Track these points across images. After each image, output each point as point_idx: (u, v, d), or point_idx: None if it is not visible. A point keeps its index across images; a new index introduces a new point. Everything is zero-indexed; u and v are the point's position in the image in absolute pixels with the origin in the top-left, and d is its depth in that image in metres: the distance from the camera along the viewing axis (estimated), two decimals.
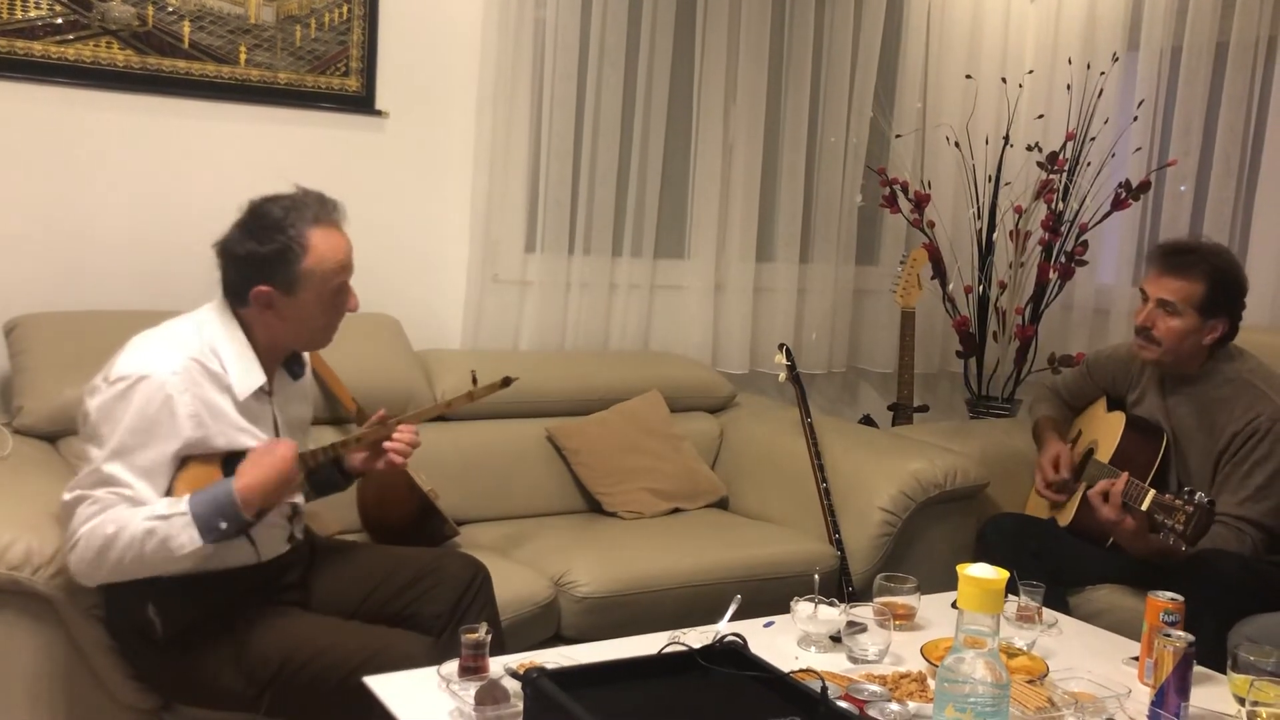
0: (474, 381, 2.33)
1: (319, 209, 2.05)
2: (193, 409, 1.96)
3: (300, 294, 2.03)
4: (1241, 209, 3.66)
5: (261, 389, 2.08)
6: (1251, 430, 2.61)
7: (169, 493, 1.94)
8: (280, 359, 2.16)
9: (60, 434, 2.60)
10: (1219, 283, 2.63)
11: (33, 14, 2.82)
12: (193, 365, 1.99)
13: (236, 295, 2.05)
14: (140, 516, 1.88)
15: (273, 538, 2.13)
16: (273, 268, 2.00)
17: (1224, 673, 1.96)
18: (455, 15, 3.35)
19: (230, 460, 2.00)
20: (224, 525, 1.91)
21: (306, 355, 2.29)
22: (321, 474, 2.30)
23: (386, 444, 2.23)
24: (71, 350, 2.63)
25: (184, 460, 1.97)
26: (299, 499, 2.23)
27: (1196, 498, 2.31)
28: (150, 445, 1.92)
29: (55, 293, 2.87)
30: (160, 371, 1.94)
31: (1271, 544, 2.59)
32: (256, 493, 1.94)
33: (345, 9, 3.18)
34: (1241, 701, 1.82)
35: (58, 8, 2.84)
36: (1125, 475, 2.52)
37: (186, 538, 1.89)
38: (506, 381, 2.34)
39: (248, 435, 2.05)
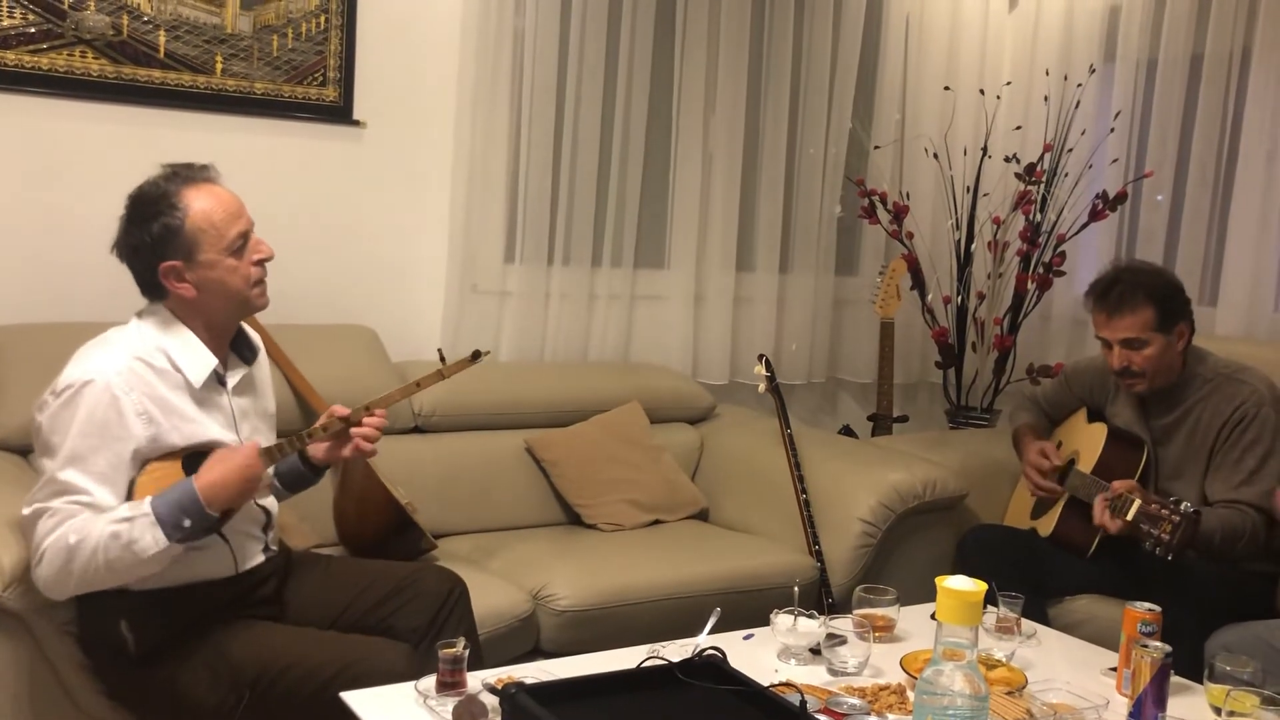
0: (442, 359, 2.31)
1: (188, 173, 2.06)
2: (141, 407, 1.95)
3: (202, 255, 2.01)
4: (1217, 220, 3.69)
5: (216, 376, 2.07)
6: (1239, 418, 2.66)
7: (130, 496, 1.93)
8: (225, 340, 2.13)
9: (32, 447, 2.55)
10: (1162, 297, 2.66)
11: (5, 23, 2.79)
12: (138, 364, 1.98)
13: (153, 288, 2.04)
14: (103, 522, 1.86)
15: (248, 548, 2.11)
16: (167, 243, 2.00)
17: (1201, 683, 1.97)
18: (433, 24, 3.34)
19: (191, 458, 1.99)
20: (188, 523, 1.89)
21: (259, 340, 2.26)
22: (289, 470, 2.28)
23: (354, 430, 2.21)
24: (45, 363, 2.56)
25: (144, 463, 1.95)
26: (271, 505, 2.21)
27: (1183, 507, 2.32)
28: (103, 448, 1.91)
29: (29, 305, 2.84)
30: (104, 374, 1.93)
31: (1270, 529, 2.61)
32: (219, 488, 1.92)
33: (323, 18, 3.17)
34: (1218, 711, 1.83)
35: (31, 17, 2.82)
36: (1135, 486, 2.52)
37: (150, 539, 1.86)
38: (476, 356, 2.31)
39: (203, 427, 2.03)
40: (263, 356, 2.27)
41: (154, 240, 2.00)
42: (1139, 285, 2.66)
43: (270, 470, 2.18)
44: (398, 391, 2.32)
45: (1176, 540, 2.31)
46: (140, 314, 2.08)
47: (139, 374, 1.97)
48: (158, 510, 1.88)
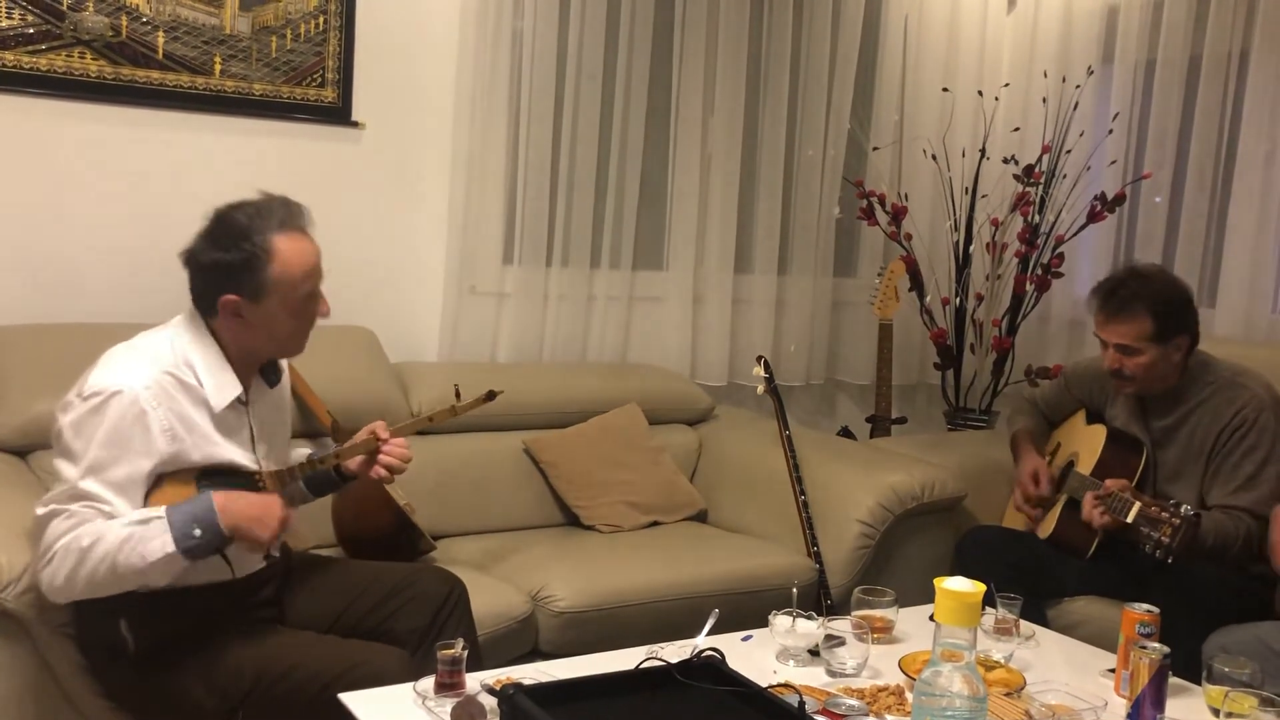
0: (457, 396, 2.32)
1: (285, 215, 2.02)
2: (166, 423, 1.94)
3: (267, 302, 2.00)
4: (1215, 221, 3.69)
5: (238, 399, 2.07)
6: (1239, 423, 2.65)
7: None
8: (255, 367, 2.13)
9: (31, 448, 2.57)
10: (1162, 311, 2.64)
11: (4, 24, 2.79)
12: (166, 379, 1.97)
13: (205, 305, 2.03)
14: (118, 524, 1.86)
15: (249, 556, 2.11)
16: (239, 276, 1.98)
17: (1199, 684, 1.97)
18: (432, 26, 3.34)
19: (205, 476, 1.99)
20: (198, 533, 1.89)
21: (285, 363, 2.26)
22: (320, 476, 2.28)
23: (381, 456, 2.22)
24: (43, 364, 2.60)
25: (159, 478, 1.95)
26: None
27: (1183, 510, 2.32)
28: (124, 460, 1.90)
29: (27, 305, 2.84)
30: (133, 386, 1.92)
31: (1263, 536, 2.61)
32: (236, 504, 1.93)
33: (321, 19, 3.17)
34: (1216, 713, 1.83)
35: (29, 18, 2.82)
36: (1127, 485, 2.53)
37: (159, 542, 1.86)
38: (491, 395, 2.33)
39: (223, 448, 2.03)
40: (285, 379, 2.28)
41: (230, 267, 1.98)
42: (1141, 295, 2.65)
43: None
44: (409, 424, 2.36)
45: (1176, 543, 2.31)
46: (179, 322, 2.07)
47: (167, 389, 1.96)
48: (171, 516, 1.88)
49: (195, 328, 2.04)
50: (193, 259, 2.02)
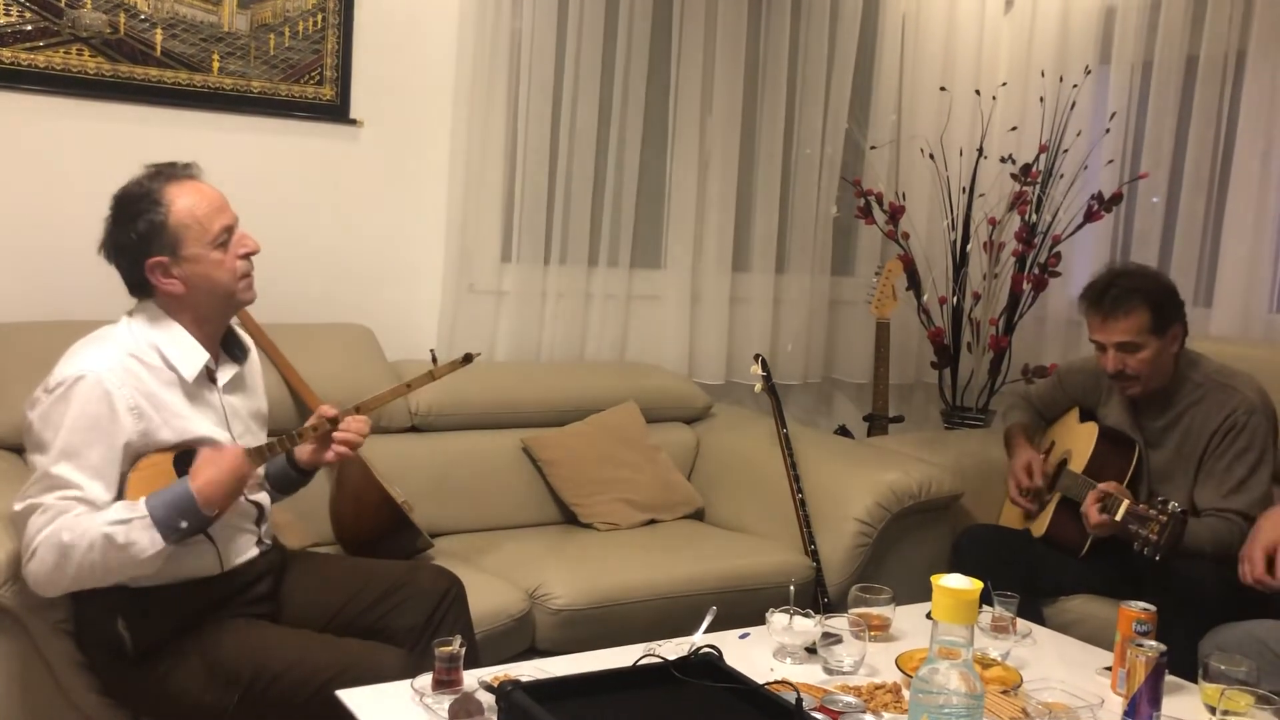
0: (434, 361, 2.32)
1: (170, 170, 2.07)
2: (132, 402, 1.95)
3: (187, 250, 2.01)
4: (1212, 221, 3.70)
5: (207, 372, 2.07)
6: (1229, 425, 2.66)
7: (121, 493, 1.93)
8: (216, 338, 2.13)
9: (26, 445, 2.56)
10: (1158, 301, 2.66)
11: (1, 20, 2.79)
12: (130, 360, 1.98)
13: (141, 286, 2.05)
14: (98, 522, 1.86)
15: (238, 544, 2.12)
16: (150, 239, 2.01)
17: (1196, 682, 1.97)
18: (431, 24, 3.34)
19: (182, 456, 1.99)
20: (184, 525, 1.90)
21: (249, 341, 2.27)
22: (277, 472, 2.28)
23: (336, 434, 2.20)
24: (42, 361, 2.57)
25: (135, 459, 1.95)
26: (264, 499, 2.21)
27: (1170, 507, 2.32)
28: (95, 443, 1.91)
29: (23, 303, 2.84)
30: (95, 369, 1.93)
31: None
32: (214, 488, 1.93)
33: (319, 17, 3.17)
34: (1213, 711, 1.83)
35: (27, 14, 2.81)
36: (1120, 488, 2.53)
37: (148, 540, 1.87)
38: (468, 358, 2.32)
39: (194, 423, 2.03)
40: (253, 356, 2.27)
41: (139, 238, 2.00)
42: (1134, 289, 2.66)
43: (261, 470, 2.18)
44: (388, 392, 2.33)
45: (1164, 540, 2.32)
46: (131, 312, 2.08)
47: (131, 370, 1.98)
48: (154, 512, 1.88)
49: (148, 311, 2.06)
50: (109, 248, 2.05)
